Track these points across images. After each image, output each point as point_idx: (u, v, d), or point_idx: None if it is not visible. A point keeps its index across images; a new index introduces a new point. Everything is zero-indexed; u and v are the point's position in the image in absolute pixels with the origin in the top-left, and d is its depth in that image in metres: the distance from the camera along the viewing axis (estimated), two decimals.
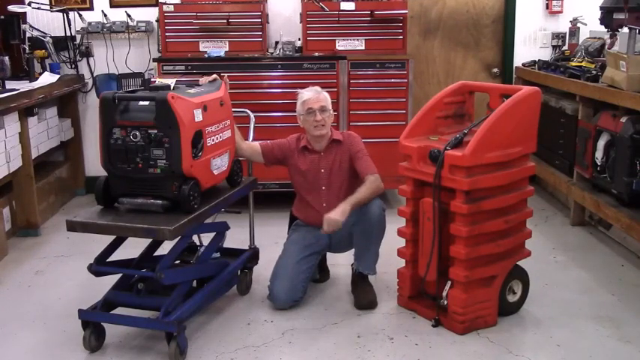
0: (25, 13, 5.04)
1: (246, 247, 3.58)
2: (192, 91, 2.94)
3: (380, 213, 3.27)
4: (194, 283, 3.18)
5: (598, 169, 4.02)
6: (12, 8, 4.81)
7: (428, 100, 3.31)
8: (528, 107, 3.00)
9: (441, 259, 3.01)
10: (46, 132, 4.81)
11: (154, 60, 4.80)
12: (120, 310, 2.93)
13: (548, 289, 3.49)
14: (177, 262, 3.10)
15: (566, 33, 5.47)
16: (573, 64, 4.74)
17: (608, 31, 4.43)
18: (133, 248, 3.07)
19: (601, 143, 3.95)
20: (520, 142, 3.00)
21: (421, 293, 3.19)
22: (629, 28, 3.88)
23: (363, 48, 4.85)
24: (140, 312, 2.96)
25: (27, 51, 5.02)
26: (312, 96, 3.34)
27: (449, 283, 3.02)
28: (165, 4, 4.83)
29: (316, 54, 4.80)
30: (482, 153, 2.85)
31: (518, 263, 3.17)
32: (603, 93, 3.93)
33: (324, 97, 3.37)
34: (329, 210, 3.37)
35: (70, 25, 5.21)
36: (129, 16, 5.26)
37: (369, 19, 4.81)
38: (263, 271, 3.53)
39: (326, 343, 2.98)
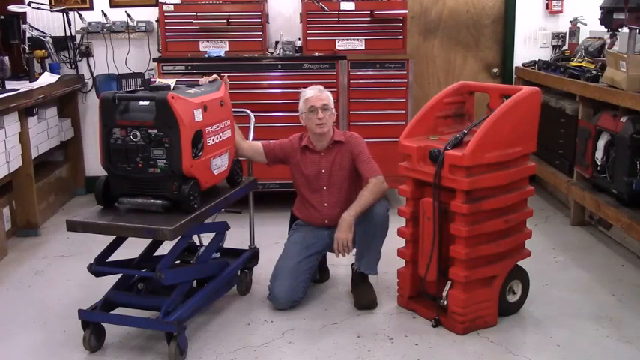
0: (25, 13, 5.04)
1: (246, 247, 3.58)
2: (192, 91, 2.94)
3: (384, 213, 3.27)
4: (194, 283, 3.18)
5: (598, 169, 4.02)
6: (12, 8, 4.82)
7: (428, 100, 3.31)
8: (528, 107, 3.00)
9: (441, 259, 3.01)
10: (46, 132, 4.81)
11: (154, 60, 4.80)
12: (120, 310, 2.93)
13: (548, 289, 3.49)
14: (177, 262, 3.10)
15: (566, 33, 5.47)
16: (573, 64, 4.74)
17: (608, 31, 4.42)
18: (133, 248, 3.07)
19: (601, 143, 3.95)
20: (520, 142, 3.00)
21: (421, 293, 3.19)
22: (629, 28, 3.88)
23: (363, 48, 4.85)
24: (140, 312, 2.96)
25: (27, 51, 5.02)
26: (315, 94, 3.35)
27: (449, 283, 3.02)
28: (165, 4, 4.83)
29: (316, 54, 4.80)
30: (482, 153, 2.85)
31: (518, 263, 3.17)
32: (603, 93, 3.93)
33: (327, 96, 3.37)
34: (330, 210, 3.38)
35: (70, 25, 5.21)
36: (129, 16, 5.27)
37: (369, 19, 4.81)
38: (263, 271, 3.53)
39: (326, 343, 2.98)
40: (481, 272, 2.98)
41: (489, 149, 2.88)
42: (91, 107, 5.43)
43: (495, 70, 5.73)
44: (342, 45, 4.85)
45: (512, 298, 3.18)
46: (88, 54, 5.35)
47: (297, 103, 3.43)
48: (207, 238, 3.29)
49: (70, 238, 4.30)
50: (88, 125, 5.49)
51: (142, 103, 2.81)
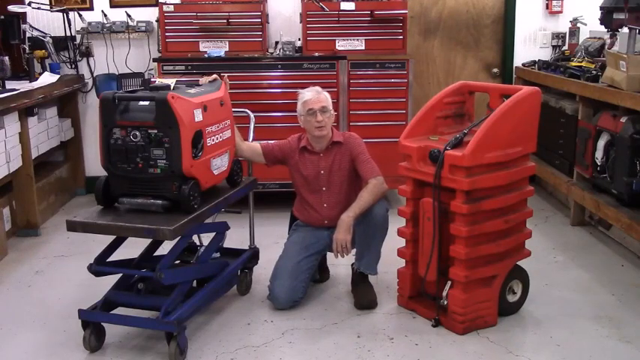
0: (25, 13, 5.04)
1: (246, 247, 3.58)
2: (192, 91, 2.94)
3: (383, 214, 3.27)
4: (194, 283, 3.18)
5: (598, 169, 4.02)
6: (12, 8, 4.82)
7: (428, 100, 3.31)
8: (528, 107, 3.00)
9: (441, 259, 3.01)
10: (46, 132, 4.81)
11: (154, 60, 4.80)
12: (120, 310, 2.93)
13: (548, 289, 3.49)
14: (177, 262, 3.10)
15: (566, 33, 5.47)
16: (573, 64, 4.74)
17: (608, 31, 4.43)
18: (133, 248, 3.07)
19: (601, 143, 3.95)
20: (520, 142, 3.00)
21: (421, 293, 3.19)
22: (629, 28, 3.88)
23: (363, 48, 4.85)
24: (140, 312, 2.96)
25: (27, 51, 5.02)
26: (313, 96, 3.34)
27: (449, 283, 3.02)
28: (165, 4, 4.83)
29: (316, 54, 4.80)
30: (482, 153, 2.85)
31: (518, 263, 3.17)
32: (603, 93, 3.93)
33: (325, 98, 3.37)
34: (329, 211, 3.38)
35: (70, 25, 5.21)
36: (129, 16, 5.27)
37: (369, 19, 4.81)
38: (263, 271, 3.53)
39: (326, 343, 2.98)
40: (481, 272, 2.98)
41: (489, 149, 2.88)
42: (91, 107, 5.43)
43: (495, 70, 5.73)
44: (342, 45, 4.85)
45: (512, 298, 3.18)
46: (88, 54, 5.35)
47: (297, 103, 3.42)
48: (207, 238, 3.29)
49: (70, 238, 4.30)
50: (88, 125, 5.49)
51: (141, 103, 2.82)
